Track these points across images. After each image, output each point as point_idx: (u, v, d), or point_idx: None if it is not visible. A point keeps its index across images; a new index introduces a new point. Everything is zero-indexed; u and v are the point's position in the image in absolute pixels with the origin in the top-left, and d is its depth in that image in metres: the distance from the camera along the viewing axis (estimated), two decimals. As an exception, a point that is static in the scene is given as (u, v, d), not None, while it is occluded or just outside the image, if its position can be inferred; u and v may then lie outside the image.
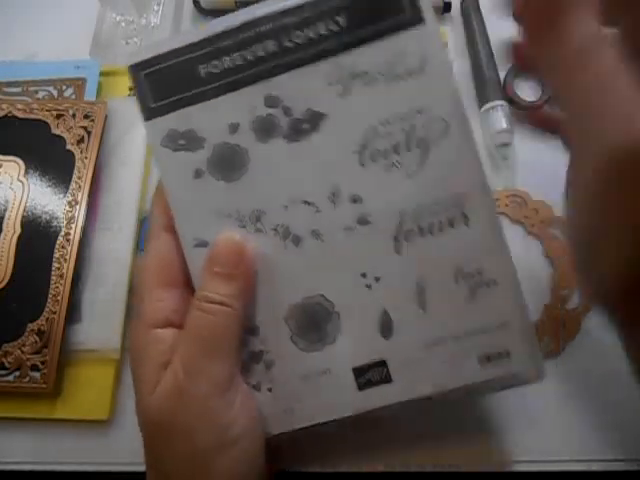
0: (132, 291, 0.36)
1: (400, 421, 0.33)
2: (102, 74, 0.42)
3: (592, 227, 0.20)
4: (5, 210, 0.36)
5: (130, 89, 0.42)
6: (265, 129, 0.26)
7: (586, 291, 0.25)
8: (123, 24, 0.45)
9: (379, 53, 0.26)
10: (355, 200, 0.26)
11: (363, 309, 0.26)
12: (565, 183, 0.22)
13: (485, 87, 0.41)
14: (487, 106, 0.40)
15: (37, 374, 0.33)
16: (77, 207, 0.36)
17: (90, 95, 0.41)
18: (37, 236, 0.35)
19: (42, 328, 0.33)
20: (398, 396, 0.26)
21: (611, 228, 0.19)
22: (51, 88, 0.41)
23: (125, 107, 0.40)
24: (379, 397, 0.26)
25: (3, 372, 0.33)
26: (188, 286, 0.27)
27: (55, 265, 0.35)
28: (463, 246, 0.26)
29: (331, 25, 0.25)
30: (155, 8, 0.46)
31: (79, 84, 0.41)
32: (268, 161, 0.26)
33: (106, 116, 0.39)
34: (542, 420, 0.32)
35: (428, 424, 0.33)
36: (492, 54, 0.42)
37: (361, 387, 0.26)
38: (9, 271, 0.35)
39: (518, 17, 0.22)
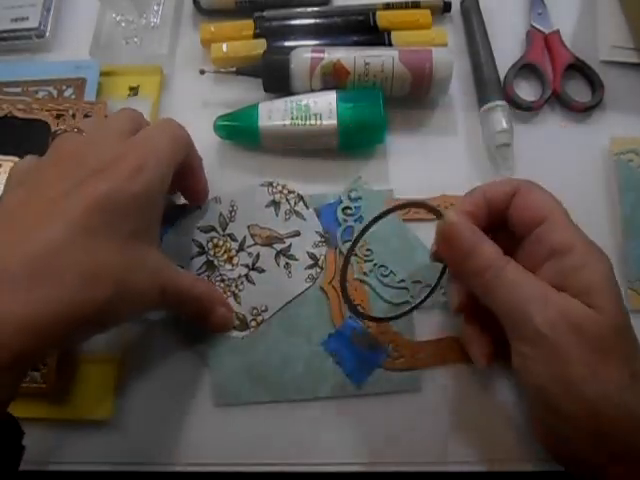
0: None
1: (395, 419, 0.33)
2: (102, 74, 0.42)
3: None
4: (5, 210, 0.36)
5: (130, 89, 0.42)
6: None
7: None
8: (123, 24, 0.45)
9: None
10: None
11: None
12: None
13: (485, 87, 0.41)
14: (487, 106, 0.40)
15: (37, 374, 0.33)
16: (77, 207, 0.36)
17: (90, 95, 0.41)
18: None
19: (42, 328, 0.33)
20: None
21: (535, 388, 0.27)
22: (51, 88, 0.41)
23: (125, 107, 0.40)
24: None
25: (3, 372, 0.33)
26: None
27: (55, 265, 0.34)
28: None
29: None
30: (155, 8, 0.46)
31: (79, 84, 0.41)
32: None
33: (106, 116, 0.39)
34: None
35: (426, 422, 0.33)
36: (492, 54, 0.42)
37: None
38: (9, 271, 0.35)
39: (435, 259, 0.32)
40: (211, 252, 0.37)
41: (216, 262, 0.37)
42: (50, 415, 0.33)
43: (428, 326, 0.35)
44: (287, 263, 0.36)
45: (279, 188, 0.38)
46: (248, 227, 0.37)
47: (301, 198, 0.38)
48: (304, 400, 0.34)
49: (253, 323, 0.35)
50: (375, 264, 0.36)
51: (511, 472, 0.32)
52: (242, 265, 0.36)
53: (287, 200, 0.38)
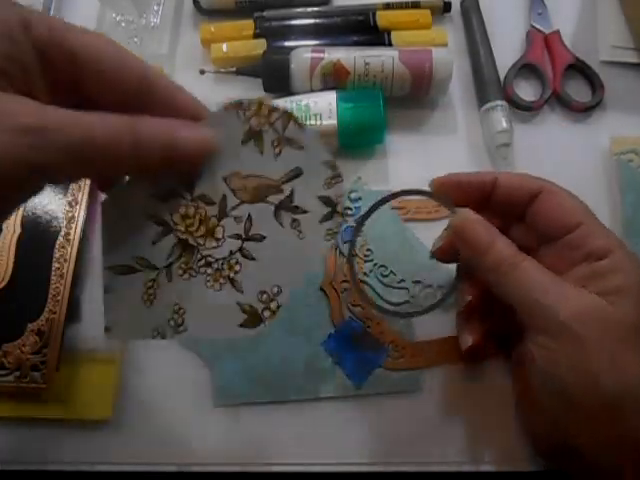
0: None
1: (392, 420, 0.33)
2: (102, 74, 0.42)
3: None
4: (5, 210, 0.36)
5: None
6: None
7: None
8: (123, 24, 0.45)
9: None
10: None
11: None
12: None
13: (485, 87, 0.41)
14: (487, 106, 0.40)
15: (37, 374, 0.33)
16: (77, 207, 0.36)
17: (90, 95, 0.41)
18: (37, 236, 0.35)
19: (42, 328, 0.33)
20: None
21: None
22: (51, 88, 0.41)
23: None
24: None
25: (3, 372, 0.33)
26: None
27: (55, 265, 0.35)
28: None
29: None
30: (155, 8, 0.46)
31: (79, 84, 0.41)
32: None
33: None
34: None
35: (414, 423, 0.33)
36: (492, 54, 0.42)
37: None
38: (9, 271, 0.35)
39: (435, 256, 0.33)
40: (181, 227, 0.26)
41: (192, 240, 0.26)
42: (50, 415, 0.33)
43: (428, 326, 0.35)
44: (294, 219, 0.26)
45: (254, 108, 0.25)
46: (225, 179, 0.26)
47: (290, 116, 0.25)
48: (304, 400, 0.34)
49: (267, 313, 0.26)
50: (375, 264, 0.36)
51: (511, 472, 0.32)
52: (230, 237, 0.26)
53: (271, 124, 0.25)
